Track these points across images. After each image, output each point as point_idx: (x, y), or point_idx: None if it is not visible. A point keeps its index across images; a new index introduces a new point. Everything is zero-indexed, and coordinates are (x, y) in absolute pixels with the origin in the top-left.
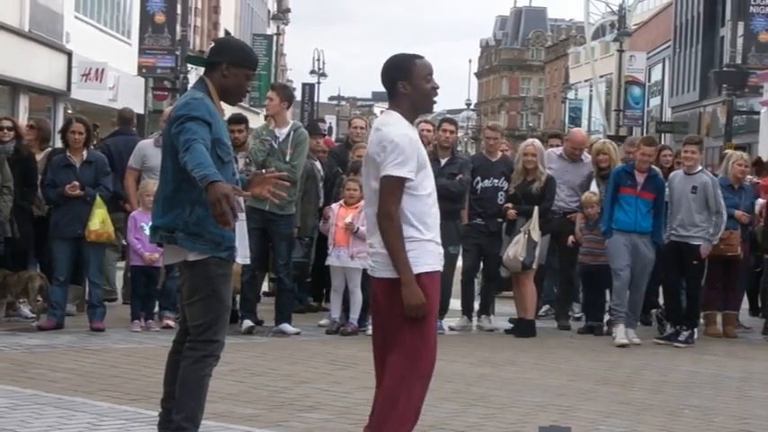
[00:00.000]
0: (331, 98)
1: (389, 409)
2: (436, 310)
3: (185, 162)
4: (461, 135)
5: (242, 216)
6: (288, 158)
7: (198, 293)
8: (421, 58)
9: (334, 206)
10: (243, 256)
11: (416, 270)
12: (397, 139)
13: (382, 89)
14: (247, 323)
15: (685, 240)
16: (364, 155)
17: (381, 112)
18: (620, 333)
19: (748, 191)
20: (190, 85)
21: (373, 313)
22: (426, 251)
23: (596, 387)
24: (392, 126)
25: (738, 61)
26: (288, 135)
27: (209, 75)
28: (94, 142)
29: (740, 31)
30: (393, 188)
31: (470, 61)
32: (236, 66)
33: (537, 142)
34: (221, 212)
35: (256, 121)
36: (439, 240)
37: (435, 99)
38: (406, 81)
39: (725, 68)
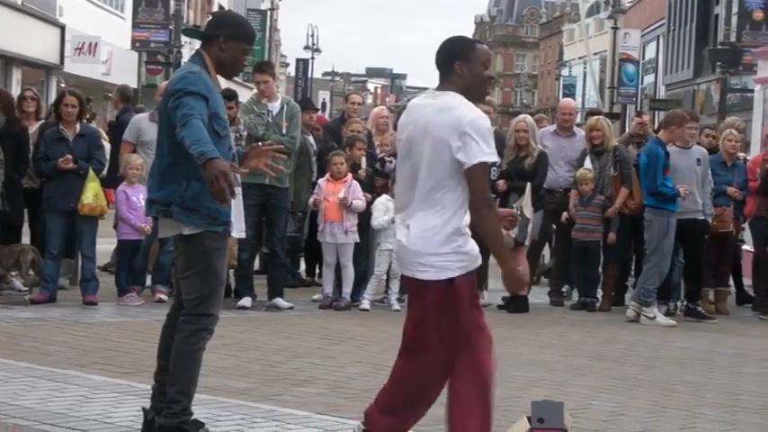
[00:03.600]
0: (325, 74)
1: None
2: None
3: (182, 138)
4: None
5: (238, 191)
6: (284, 131)
7: (193, 267)
8: (482, 43)
9: (321, 181)
10: (239, 230)
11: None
12: (483, 124)
13: (376, 65)
14: (246, 301)
15: (693, 216)
16: (407, 135)
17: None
18: (660, 315)
19: (741, 167)
20: (183, 60)
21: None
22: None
23: (589, 362)
24: (466, 108)
25: (732, 39)
26: (281, 108)
27: (207, 48)
28: (87, 116)
29: (734, 8)
30: (485, 174)
31: None
32: (234, 40)
33: (529, 118)
34: (219, 189)
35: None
36: None
37: (489, 88)
38: (463, 62)
39: (719, 46)
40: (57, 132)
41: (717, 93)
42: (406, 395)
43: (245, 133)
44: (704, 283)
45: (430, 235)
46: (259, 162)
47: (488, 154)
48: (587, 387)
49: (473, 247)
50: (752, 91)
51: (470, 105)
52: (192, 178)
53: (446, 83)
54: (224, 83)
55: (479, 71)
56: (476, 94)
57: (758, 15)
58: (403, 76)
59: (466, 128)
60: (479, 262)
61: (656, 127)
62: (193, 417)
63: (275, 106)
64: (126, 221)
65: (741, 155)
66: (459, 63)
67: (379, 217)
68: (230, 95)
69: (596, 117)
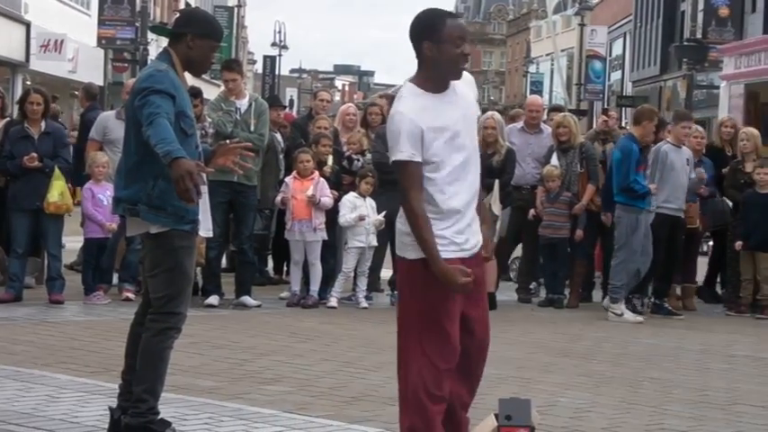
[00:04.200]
0: (292, 71)
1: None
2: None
3: (148, 136)
4: None
5: (205, 189)
6: (252, 128)
7: (161, 266)
8: (454, 17)
9: (288, 179)
10: (206, 228)
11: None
12: (390, 125)
13: (344, 62)
14: (213, 299)
15: (678, 214)
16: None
17: (345, 85)
18: (627, 311)
19: (707, 164)
20: (150, 57)
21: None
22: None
23: (557, 359)
24: (394, 106)
25: (699, 36)
26: (249, 106)
27: (174, 46)
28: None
29: (700, 5)
30: (403, 172)
31: None
32: (202, 37)
33: (497, 115)
34: (185, 189)
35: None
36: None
37: (464, 66)
38: (432, 42)
39: (685, 43)
40: (22, 130)
41: (683, 89)
42: None
43: (210, 130)
44: (671, 279)
45: None
46: (227, 160)
47: (399, 152)
48: (555, 384)
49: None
50: (718, 87)
51: (399, 101)
52: (159, 177)
53: (419, 65)
54: (190, 80)
55: (450, 51)
56: (449, 74)
57: (723, 12)
58: (371, 73)
59: (385, 129)
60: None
61: (622, 123)
62: (160, 416)
63: (243, 104)
64: (92, 219)
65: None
66: (428, 43)
67: (346, 214)
68: (195, 93)
69: (563, 114)
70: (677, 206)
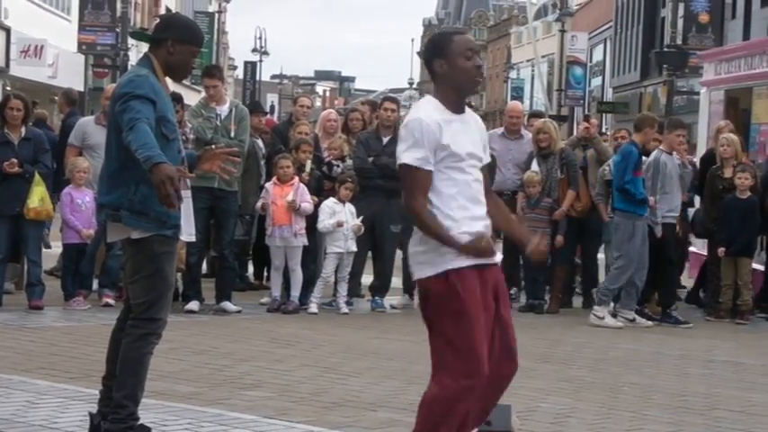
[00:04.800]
0: (273, 77)
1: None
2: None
3: (129, 142)
4: (404, 114)
5: (187, 194)
6: (233, 134)
7: (141, 271)
8: (461, 33)
9: (268, 185)
10: (188, 233)
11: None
12: (408, 124)
13: (325, 68)
14: (193, 305)
15: (673, 222)
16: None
17: (326, 91)
18: (609, 316)
19: (688, 169)
20: (131, 63)
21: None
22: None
23: (537, 365)
24: (412, 111)
25: (679, 42)
26: (230, 112)
27: (155, 51)
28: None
29: (681, 11)
30: (407, 176)
31: (413, 40)
32: (183, 42)
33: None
34: (166, 194)
35: (197, 99)
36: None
37: (479, 78)
38: (442, 59)
39: (665, 49)
40: (2, 136)
41: (663, 95)
42: None
43: (191, 136)
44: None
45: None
46: (212, 165)
47: (411, 156)
48: (535, 389)
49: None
50: (698, 93)
51: (418, 109)
52: (141, 182)
53: (435, 86)
54: (172, 86)
55: (461, 64)
56: (466, 87)
57: (704, 18)
58: (351, 79)
59: (400, 130)
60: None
61: (603, 129)
62: (140, 422)
63: (224, 110)
64: (69, 225)
65: (688, 157)
66: (440, 62)
67: (325, 220)
68: (176, 98)
69: (543, 120)
70: (677, 213)
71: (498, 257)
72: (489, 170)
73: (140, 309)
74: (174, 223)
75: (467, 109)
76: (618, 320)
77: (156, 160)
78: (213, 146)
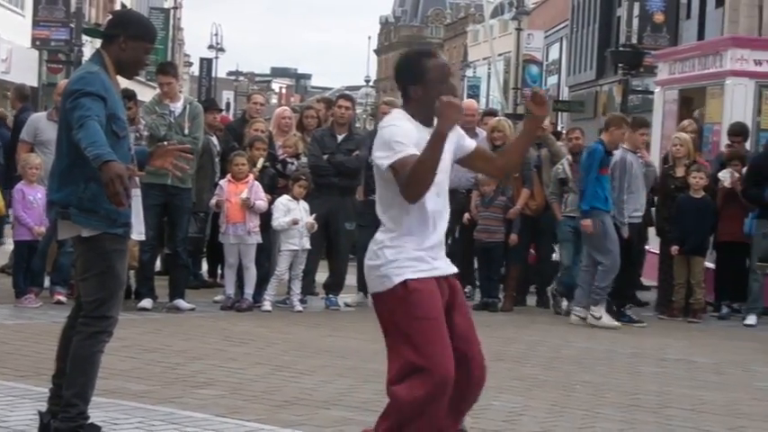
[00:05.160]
0: (229, 73)
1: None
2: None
3: (79, 139)
4: (360, 112)
5: (137, 192)
6: (186, 132)
7: (92, 269)
8: (434, 57)
9: (222, 182)
10: (138, 232)
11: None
12: (383, 131)
13: (281, 65)
14: (146, 302)
15: (638, 221)
16: None
17: (282, 88)
18: (606, 315)
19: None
20: (84, 59)
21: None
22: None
23: (490, 363)
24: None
25: (634, 41)
26: (184, 109)
27: (106, 48)
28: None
29: (636, 11)
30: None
31: (369, 38)
32: (135, 39)
33: None
34: (114, 193)
35: (151, 95)
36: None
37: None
38: (418, 86)
39: (621, 48)
40: None
41: (619, 94)
42: None
43: (145, 133)
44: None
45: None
46: (164, 162)
47: (400, 151)
48: (488, 387)
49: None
50: (653, 92)
51: (393, 118)
52: (91, 180)
53: (405, 103)
54: (125, 82)
55: (434, 91)
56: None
57: (658, 18)
58: (308, 76)
59: (376, 139)
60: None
61: (558, 128)
62: (90, 420)
63: (177, 107)
64: (21, 222)
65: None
66: (415, 88)
67: (280, 218)
68: (129, 95)
69: (497, 118)
70: (642, 212)
71: (453, 268)
72: None
73: (91, 306)
74: (124, 221)
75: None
76: (613, 320)
77: (106, 158)
78: (166, 142)
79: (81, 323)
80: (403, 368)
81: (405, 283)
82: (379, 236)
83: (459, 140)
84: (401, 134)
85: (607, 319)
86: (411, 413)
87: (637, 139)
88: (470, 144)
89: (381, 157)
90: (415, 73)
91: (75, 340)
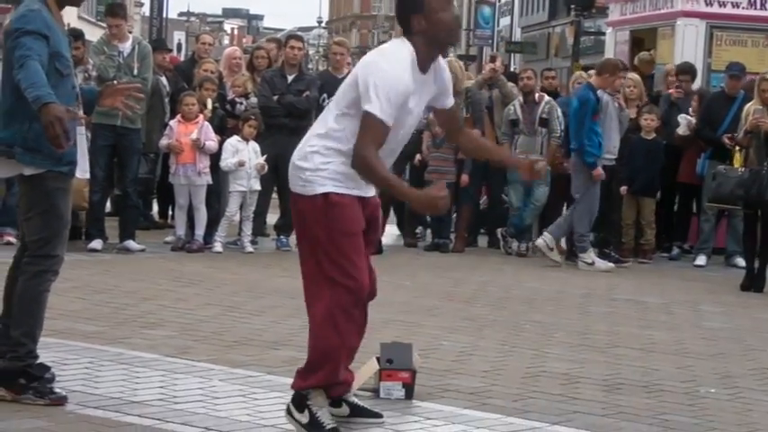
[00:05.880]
0: (181, 14)
1: (313, 346)
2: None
3: (19, 80)
4: (312, 53)
5: (81, 130)
6: (136, 72)
7: (35, 208)
8: None
9: (172, 123)
10: (83, 170)
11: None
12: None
13: (232, 5)
14: (96, 243)
15: (611, 165)
16: None
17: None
18: (598, 259)
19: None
20: None
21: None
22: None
23: (440, 303)
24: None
25: None
26: (133, 49)
27: None
28: None
29: None
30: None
31: None
32: None
33: None
34: (54, 135)
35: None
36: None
37: (457, 29)
38: (419, 15)
39: None
40: None
41: (571, 35)
42: None
43: (93, 73)
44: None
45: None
46: (114, 101)
47: (381, 111)
48: (438, 327)
49: None
50: (604, 34)
51: (399, 59)
52: (35, 119)
53: (407, 38)
54: (74, 22)
55: (440, 18)
56: (443, 41)
57: None
58: (260, 17)
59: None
60: None
61: (511, 69)
62: (39, 360)
63: (126, 47)
64: None
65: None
66: (418, 17)
67: (228, 159)
68: (76, 35)
69: (448, 59)
70: (615, 155)
71: (373, 191)
72: None
73: (36, 246)
74: (69, 160)
75: (433, 66)
76: (607, 263)
77: (45, 100)
78: (116, 82)
79: (26, 263)
80: (322, 279)
81: (326, 195)
82: (315, 140)
83: (440, 94)
84: (395, 93)
85: (601, 263)
86: (327, 330)
87: (615, 82)
88: (449, 103)
89: (369, 98)
90: (417, 1)
91: (21, 280)
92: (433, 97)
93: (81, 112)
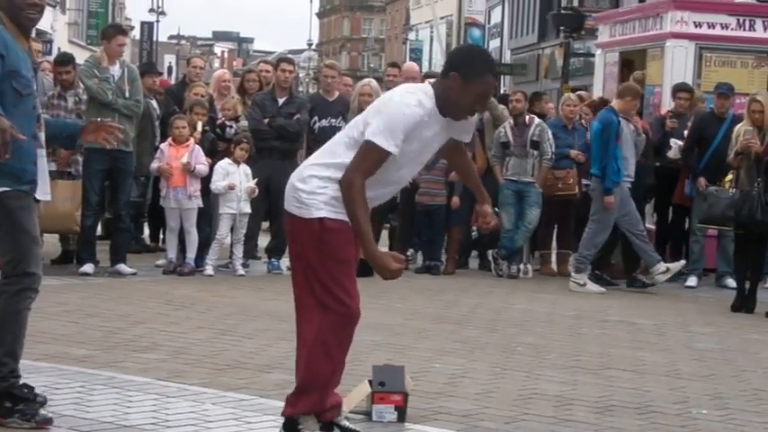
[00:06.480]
0: (171, 37)
1: (306, 366)
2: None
3: None
4: (303, 76)
5: (42, 152)
6: (127, 95)
7: (1, 228)
8: (493, 77)
9: (163, 146)
10: (43, 192)
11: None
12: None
13: (223, 28)
14: (88, 267)
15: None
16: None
17: (224, 52)
18: (590, 282)
19: (581, 131)
20: None
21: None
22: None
23: (432, 326)
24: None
25: (575, 4)
26: (123, 72)
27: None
28: None
29: None
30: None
31: (311, 1)
32: None
33: (373, 82)
34: None
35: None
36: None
37: (469, 115)
38: (460, 77)
39: (562, 11)
40: None
41: (560, 57)
42: None
43: (84, 97)
44: (548, 245)
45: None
46: (97, 136)
47: (388, 143)
48: (429, 350)
49: None
50: (593, 55)
51: (422, 101)
52: None
53: (439, 82)
54: (66, 46)
55: (467, 97)
56: (449, 110)
57: None
58: (250, 40)
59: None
60: None
61: (501, 91)
62: (31, 384)
63: (116, 70)
64: None
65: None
66: (456, 75)
67: (218, 181)
68: (65, 60)
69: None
70: (632, 179)
71: None
72: None
73: (10, 266)
74: (29, 179)
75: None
76: (599, 286)
77: None
78: (99, 119)
79: (4, 284)
80: (315, 302)
81: (321, 219)
82: (317, 164)
83: (463, 132)
84: (401, 127)
85: (592, 287)
86: (317, 356)
87: (630, 106)
88: (466, 139)
89: (373, 129)
90: (470, 70)
91: (1, 300)
92: (450, 135)
93: (42, 135)
